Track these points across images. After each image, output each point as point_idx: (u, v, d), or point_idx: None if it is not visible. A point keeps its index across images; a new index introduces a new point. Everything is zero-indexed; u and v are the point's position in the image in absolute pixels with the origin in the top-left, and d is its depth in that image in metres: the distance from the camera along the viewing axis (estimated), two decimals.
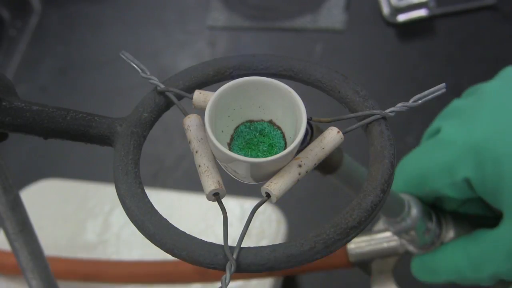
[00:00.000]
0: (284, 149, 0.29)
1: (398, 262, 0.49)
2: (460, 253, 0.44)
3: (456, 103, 0.45)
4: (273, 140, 0.31)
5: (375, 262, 0.49)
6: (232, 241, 0.29)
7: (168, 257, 0.29)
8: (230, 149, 0.30)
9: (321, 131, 0.32)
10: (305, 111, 0.29)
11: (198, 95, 0.32)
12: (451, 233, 0.46)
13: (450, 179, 0.42)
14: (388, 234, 0.48)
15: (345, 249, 0.49)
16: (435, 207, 0.47)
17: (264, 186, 0.29)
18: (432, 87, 0.32)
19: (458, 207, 0.47)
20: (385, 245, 0.48)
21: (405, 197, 0.44)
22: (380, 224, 0.51)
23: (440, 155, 0.43)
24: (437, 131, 0.45)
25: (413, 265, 0.47)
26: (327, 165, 0.37)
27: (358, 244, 0.49)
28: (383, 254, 0.49)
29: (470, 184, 0.42)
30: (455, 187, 0.43)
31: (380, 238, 0.49)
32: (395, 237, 0.48)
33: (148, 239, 0.29)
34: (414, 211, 0.44)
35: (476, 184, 0.41)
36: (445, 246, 0.45)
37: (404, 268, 0.49)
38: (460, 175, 0.42)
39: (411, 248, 0.47)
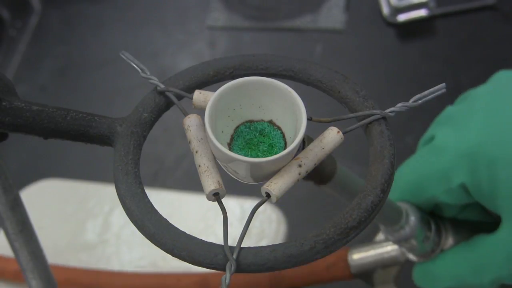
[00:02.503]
0: (284, 149, 0.29)
1: (400, 271, 0.49)
2: (460, 260, 0.44)
3: (449, 110, 0.45)
4: (273, 140, 0.31)
5: (377, 273, 0.49)
6: (232, 241, 0.29)
7: (168, 257, 0.29)
8: (230, 149, 0.30)
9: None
10: (305, 111, 0.29)
11: (198, 95, 0.32)
12: (450, 240, 0.46)
13: (446, 185, 0.42)
14: (388, 244, 0.48)
15: (347, 261, 0.49)
16: (434, 215, 0.47)
17: (264, 186, 0.29)
18: (432, 87, 0.32)
19: (456, 213, 0.47)
20: (386, 255, 0.48)
21: (403, 205, 0.44)
22: (380, 235, 0.51)
23: (435, 162, 0.43)
24: (432, 138, 0.45)
25: (414, 273, 0.47)
26: (321, 175, 0.37)
27: (359, 255, 0.49)
28: (385, 264, 0.48)
29: (467, 190, 0.42)
30: (452, 193, 0.43)
31: (380, 248, 0.48)
32: (395, 247, 0.47)
33: (148, 239, 0.29)
34: (412, 219, 0.43)
35: (472, 189, 0.41)
36: (445, 253, 0.45)
37: (406, 277, 0.48)
38: (455, 181, 0.42)
39: (411, 256, 0.47)
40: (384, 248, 0.48)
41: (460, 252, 0.44)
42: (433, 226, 0.45)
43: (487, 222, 0.46)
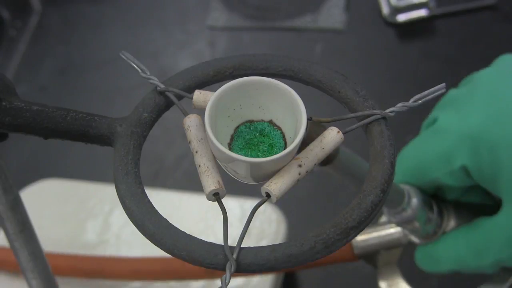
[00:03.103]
0: (284, 149, 0.29)
1: (403, 253, 0.50)
2: (461, 242, 0.44)
3: (452, 92, 0.45)
4: (273, 140, 0.31)
5: (380, 254, 0.49)
6: (232, 241, 0.29)
7: (168, 257, 0.29)
8: (230, 149, 0.30)
9: (320, 127, 0.32)
10: (305, 111, 0.29)
11: (198, 95, 0.32)
12: (452, 223, 0.46)
13: (448, 167, 0.43)
14: (391, 226, 0.49)
15: (350, 243, 0.49)
16: (436, 197, 0.47)
17: (264, 186, 0.29)
18: (432, 87, 0.32)
19: (459, 196, 0.47)
20: (388, 237, 0.49)
21: (405, 187, 0.44)
22: (383, 217, 0.52)
23: (437, 144, 0.43)
24: (434, 121, 0.45)
25: (416, 255, 0.48)
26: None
27: (363, 237, 0.49)
28: (388, 246, 0.49)
29: (468, 172, 0.42)
30: (453, 176, 0.43)
31: (383, 230, 0.49)
32: (398, 229, 0.48)
33: (148, 239, 0.29)
34: (414, 200, 0.44)
35: (473, 172, 0.42)
36: (447, 236, 0.45)
37: (409, 258, 0.49)
38: (457, 163, 0.42)
39: (413, 238, 0.47)
40: (387, 230, 0.49)
41: (461, 234, 0.45)
42: (435, 208, 0.45)
43: (489, 205, 0.46)
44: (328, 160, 0.37)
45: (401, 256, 0.50)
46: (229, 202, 0.68)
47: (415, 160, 0.45)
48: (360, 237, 0.50)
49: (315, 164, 0.30)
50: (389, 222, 0.48)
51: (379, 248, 0.49)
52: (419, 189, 0.45)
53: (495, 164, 0.40)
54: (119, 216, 0.71)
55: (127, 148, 0.31)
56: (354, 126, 0.32)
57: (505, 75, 0.42)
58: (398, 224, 0.45)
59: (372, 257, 0.50)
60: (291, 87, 0.30)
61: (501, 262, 0.43)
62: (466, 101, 0.43)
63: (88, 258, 0.64)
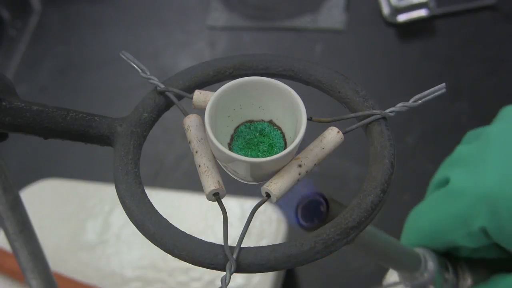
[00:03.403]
0: (284, 149, 0.29)
1: None
2: None
3: (461, 150, 0.44)
4: (273, 140, 0.31)
5: None
6: (232, 241, 0.29)
7: (168, 257, 0.29)
8: (230, 149, 0.30)
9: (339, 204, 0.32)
10: (305, 111, 0.29)
11: (198, 95, 0.32)
12: (468, 281, 0.45)
13: (466, 230, 0.41)
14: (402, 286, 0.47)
15: None
16: (449, 255, 0.46)
17: (264, 186, 0.29)
18: (432, 87, 0.32)
19: (472, 253, 0.46)
20: None
21: (420, 251, 0.44)
22: (389, 276, 0.50)
23: (453, 207, 0.42)
24: (445, 181, 0.44)
25: None
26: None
27: None
28: None
29: (487, 233, 0.41)
30: (472, 237, 0.42)
31: None
32: None
33: (148, 239, 0.29)
34: (431, 264, 0.43)
35: (493, 233, 0.40)
36: None
37: None
38: (475, 226, 0.41)
39: None
40: None
41: None
42: (450, 268, 0.44)
43: (504, 259, 0.45)
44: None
45: None
46: (229, 202, 0.68)
47: (430, 223, 0.44)
48: None
49: (315, 164, 0.30)
50: (399, 283, 0.47)
51: None
52: (433, 251, 0.44)
53: None
54: (119, 216, 0.71)
55: (127, 148, 0.31)
56: (354, 126, 0.32)
57: None
58: None
59: None
60: (291, 87, 0.30)
61: None
62: (480, 160, 0.41)
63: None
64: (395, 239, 0.40)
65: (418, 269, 0.42)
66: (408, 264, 0.42)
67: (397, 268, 0.42)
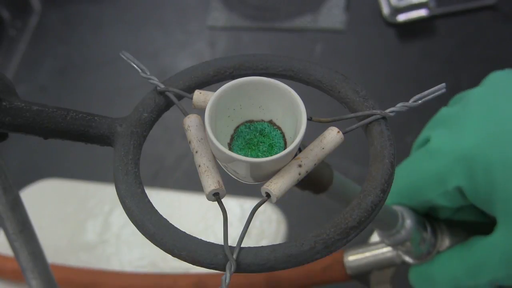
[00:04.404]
0: (284, 149, 0.29)
1: (396, 273, 0.49)
2: (456, 262, 0.44)
3: (443, 111, 0.45)
4: (273, 140, 0.31)
5: (373, 274, 0.49)
6: (232, 241, 0.29)
7: (168, 257, 0.29)
8: (230, 149, 0.30)
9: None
10: (305, 111, 0.29)
11: (198, 95, 0.32)
12: (446, 242, 0.46)
13: (442, 188, 0.42)
14: (383, 245, 0.48)
15: (342, 263, 0.49)
16: (429, 216, 0.46)
17: (264, 186, 0.29)
18: (432, 87, 0.32)
19: (452, 214, 0.46)
20: (381, 256, 0.48)
21: (398, 208, 0.44)
22: (375, 236, 0.51)
23: (431, 165, 0.42)
24: (426, 141, 0.45)
25: (410, 275, 0.47)
26: (318, 184, 0.37)
27: (355, 257, 0.49)
28: (380, 266, 0.48)
29: (463, 193, 0.42)
30: (448, 196, 0.42)
31: (376, 250, 0.48)
32: (391, 248, 0.47)
33: (148, 239, 0.29)
34: (408, 222, 0.43)
35: (468, 193, 0.41)
36: (441, 255, 0.45)
37: (403, 278, 0.48)
38: (451, 184, 0.42)
39: (407, 258, 0.46)
40: (379, 250, 0.48)
41: (456, 253, 0.44)
42: (429, 228, 0.45)
43: (483, 223, 0.46)
44: (323, 188, 0.37)
45: (394, 276, 0.49)
46: (229, 202, 0.68)
47: (408, 181, 0.44)
48: (353, 257, 0.49)
49: (315, 164, 0.30)
50: (381, 242, 0.48)
51: (372, 267, 0.48)
52: (412, 210, 0.45)
53: (491, 184, 0.40)
54: (119, 216, 0.71)
55: (127, 148, 0.31)
56: (354, 126, 0.32)
57: (497, 94, 0.42)
58: (392, 245, 0.45)
59: (365, 277, 0.49)
60: (291, 87, 0.30)
61: (496, 281, 0.42)
62: (459, 121, 0.42)
63: (82, 271, 0.64)
64: None
65: (395, 226, 0.43)
66: (384, 220, 0.42)
67: (374, 224, 0.42)
